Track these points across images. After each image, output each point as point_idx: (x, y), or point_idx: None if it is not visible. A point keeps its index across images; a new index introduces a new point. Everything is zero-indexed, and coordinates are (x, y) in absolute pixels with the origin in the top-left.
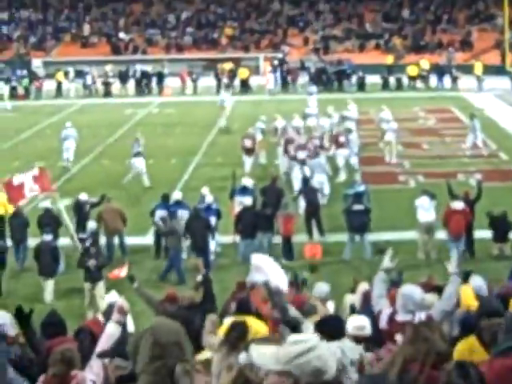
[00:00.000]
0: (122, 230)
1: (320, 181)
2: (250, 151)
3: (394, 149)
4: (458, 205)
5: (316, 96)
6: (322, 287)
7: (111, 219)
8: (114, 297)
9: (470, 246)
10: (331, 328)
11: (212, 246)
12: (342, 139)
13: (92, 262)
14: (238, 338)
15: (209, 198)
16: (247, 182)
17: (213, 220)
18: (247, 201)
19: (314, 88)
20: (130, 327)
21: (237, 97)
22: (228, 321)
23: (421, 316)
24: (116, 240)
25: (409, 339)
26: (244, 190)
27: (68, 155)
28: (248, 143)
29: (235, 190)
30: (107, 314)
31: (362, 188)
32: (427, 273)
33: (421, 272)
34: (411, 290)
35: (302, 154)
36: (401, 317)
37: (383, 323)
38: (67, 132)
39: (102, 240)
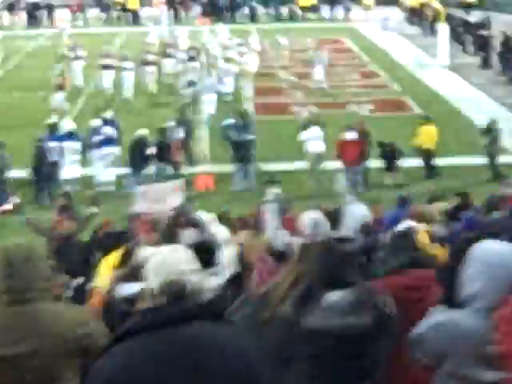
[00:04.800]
0: None
1: (210, 99)
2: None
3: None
4: (351, 135)
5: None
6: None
7: None
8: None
9: (364, 176)
10: None
11: None
12: None
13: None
14: None
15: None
16: (108, 114)
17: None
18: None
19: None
20: None
21: (127, 28)
22: None
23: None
24: None
25: (298, 257)
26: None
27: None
28: None
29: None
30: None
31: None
32: (318, 202)
33: (312, 202)
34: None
35: None
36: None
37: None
38: None
39: None
